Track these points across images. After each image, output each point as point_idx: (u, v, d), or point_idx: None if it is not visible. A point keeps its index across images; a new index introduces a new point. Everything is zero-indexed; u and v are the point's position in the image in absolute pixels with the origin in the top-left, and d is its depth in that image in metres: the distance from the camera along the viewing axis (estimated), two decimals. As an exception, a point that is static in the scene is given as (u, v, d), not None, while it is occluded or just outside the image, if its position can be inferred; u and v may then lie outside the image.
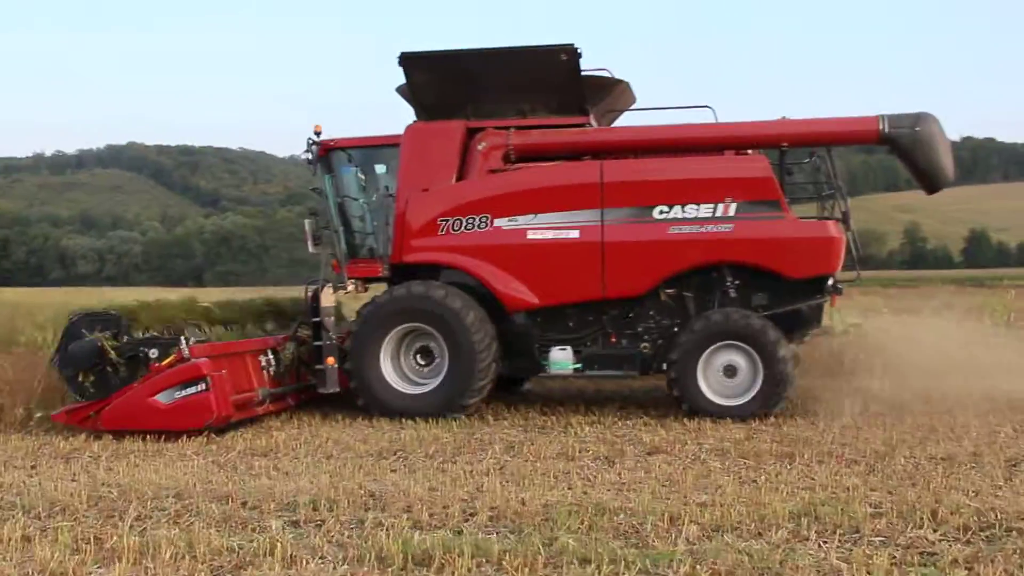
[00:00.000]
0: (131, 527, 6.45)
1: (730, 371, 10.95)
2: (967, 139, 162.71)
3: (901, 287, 39.92)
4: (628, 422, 10.76)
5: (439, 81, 11.72)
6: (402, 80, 11.79)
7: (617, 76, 11.89)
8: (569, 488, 7.48)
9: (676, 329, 11.24)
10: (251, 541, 6.06)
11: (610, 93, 12.09)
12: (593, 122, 11.88)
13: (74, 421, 10.27)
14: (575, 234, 11.17)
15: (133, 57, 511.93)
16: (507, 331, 11.49)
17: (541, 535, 6.07)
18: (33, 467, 8.80)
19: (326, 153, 11.99)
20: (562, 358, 11.41)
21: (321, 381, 11.45)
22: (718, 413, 10.75)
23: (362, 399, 11.34)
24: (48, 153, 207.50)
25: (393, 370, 11.41)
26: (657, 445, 9.30)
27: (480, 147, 11.51)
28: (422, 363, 11.48)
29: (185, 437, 9.92)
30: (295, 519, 6.65)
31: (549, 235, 11.23)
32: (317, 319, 11.48)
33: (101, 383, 10.26)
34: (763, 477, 7.80)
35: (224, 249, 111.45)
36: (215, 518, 6.70)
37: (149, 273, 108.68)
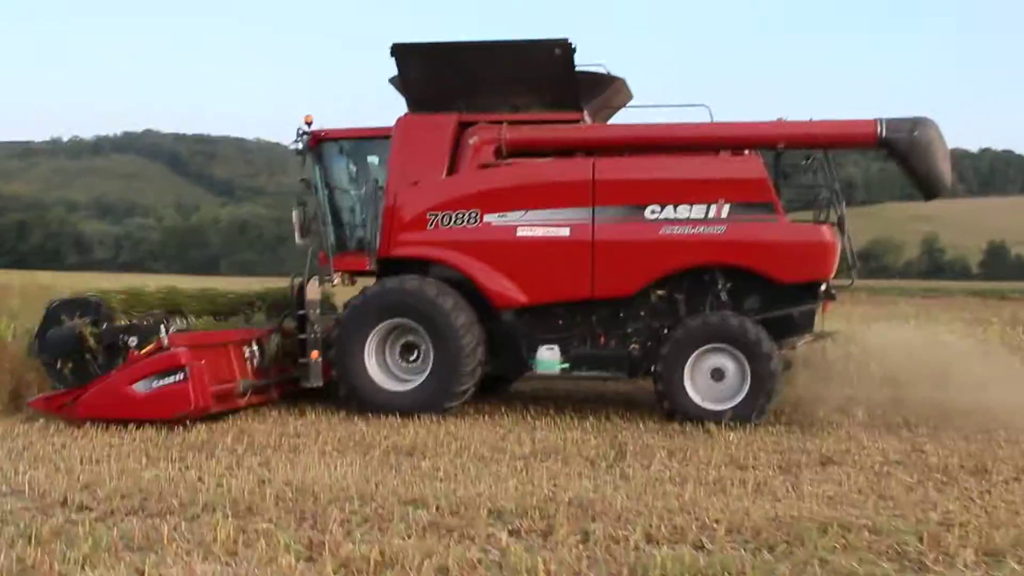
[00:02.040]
0: (349, 534, 6.09)
1: (718, 374, 10.78)
2: (985, 151, 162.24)
3: (924, 297, 39.68)
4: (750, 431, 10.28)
5: (431, 73, 11.57)
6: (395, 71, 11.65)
7: (613, 73, 11.72)
8: (778, 500, 7.14)
9: (666, 331, 11.07)
10: (486, 553, 5.74)
11: (605, 90, 11.91)
12: (587, 118, 11.73)
13: (51, 408, 10.16)
14: (565, 232, 11.01)
15: (152, 44, 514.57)
16: (494, 329, 11.34)
17: (803, 553, 5.75)
18: (181, 459, 8.43)
19: (317, 144, 11.86)
20: (549, 358, 11.25)
21: (305, 375, 11.34)
22: (703, 416, 10.57)
23: (344, 390, 11.21)
24: (65, 138, 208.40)
25: (377, 364, 11.28)
26: (827, 455, 8.92)
27: (471, 141, 11.37)
28: (408, 359, 11.34)
29: (315, 433, 9.68)
30: (511, 529, 6.25)
31: (539, 232, 11.07)
32: (302, 312, 11.35)
33: (80, 371, 10.16)
34: (993, 494, 7.45)
35: (241, 238, 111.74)
36: (423, 525, 6.31)
37: (165, 260, 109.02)
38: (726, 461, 8.63)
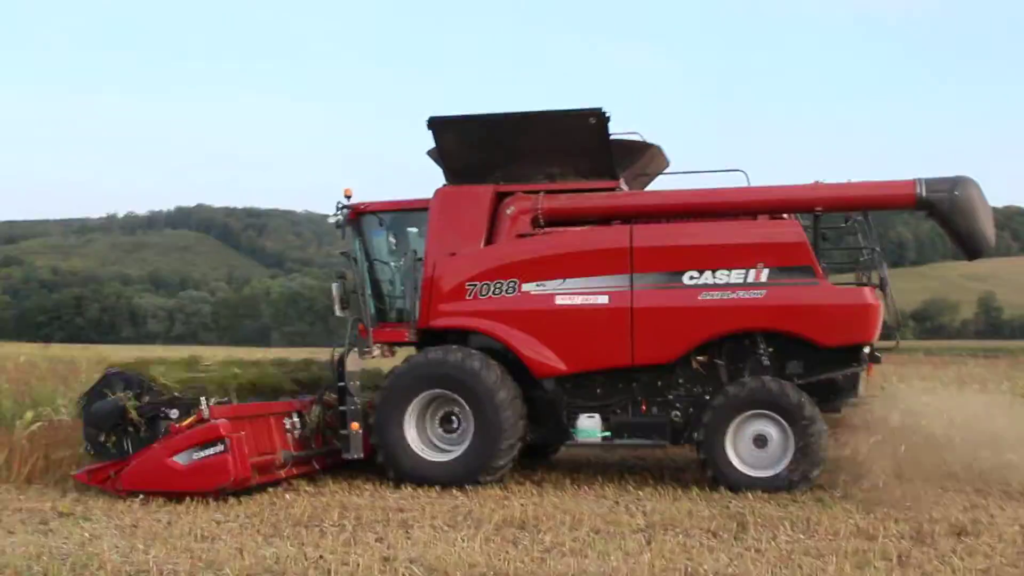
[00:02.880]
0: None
1: (760, 441, 10.62)
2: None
3: (985, 356, 38.79)
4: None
5: (468, 145, 11.72)
6: (432, 144, 11.82)
7: (648, 140, 11.79)
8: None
9: (707, 397, 10.95)
10: None
11: (641, 157, 11.98)
12: (623, 186, 11.77)
13: (95, 482, 10.27)
14: (604, 299, 10.99)
15: (202, 120, 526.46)
16: (534, 397, 11.29)
17: None
18: (294, 536, 8.33)
19: (356, 217, 12.01)
20: (590, 426, 11.18)
21: (345, 446, 11.34)
22: (747, 484, 10.39)
23: (387, 465, 11.20)
24: (120, 214, 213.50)
25: (417, 434, 11.26)
26: (957, 524, 8.59)
27: (509, 211, 11.45)
28: (448, 430, 11.31)
29: (420, 507, 9.56)
30: None
31: (578, 300, 11.06)
32: (342, 383, 11.40)
33: (122, 444, 10.27)
34: None
35: (291, 310, 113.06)
36: None
37: (218, 332, 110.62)
38: (853, 531, 8.38)
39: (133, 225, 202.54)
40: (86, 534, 8.47)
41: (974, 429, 11.37)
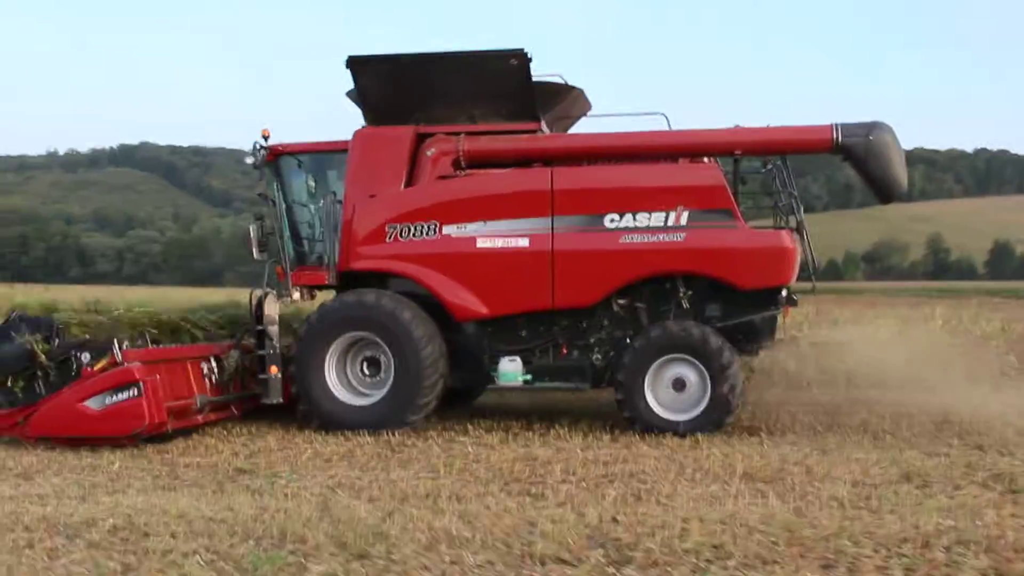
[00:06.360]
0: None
1: (679, 385, 10.71)
2: (981, 151, 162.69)
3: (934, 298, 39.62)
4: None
5: (388, 85, 11.51)
6: (351, 84, 11.60)
7: (570, 83, 11.66)
8: None
9: (628, 340, 11.00)
10: None
11: (563, 100, 11.85)
12: (545, 129, 11.66)
13: (2, 429, 10.10)
14: (525, 242, 10.94)
15: (144, 55, 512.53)
16: (456, 341, 11.28)
17: None
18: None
19: (274, 158, 11.80)
20: (511, 369, 11.18)
21: (264, 391, 11.26)
22: (666, 427, 10.50)
23: (303, 407, 11.15)
24: (61, 151, 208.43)
25: (338, 379, 11.21)
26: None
27: (429, 153, 11.31)
28: (368, 373, 11.27)
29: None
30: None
31: (498, 243, 11.00)
32: (261, 327, 11.29)
33: (31, 389, 10.10)
34: None
35: (243, 250, 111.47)
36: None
37: (168, 272, 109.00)
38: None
39: (75, 163, 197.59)
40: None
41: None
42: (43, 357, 10.07)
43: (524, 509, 7.18)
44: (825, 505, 7.19)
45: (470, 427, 11.03)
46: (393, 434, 10.56)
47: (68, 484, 8.30)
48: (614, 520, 6.73)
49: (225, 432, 10.84)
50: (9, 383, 10.14)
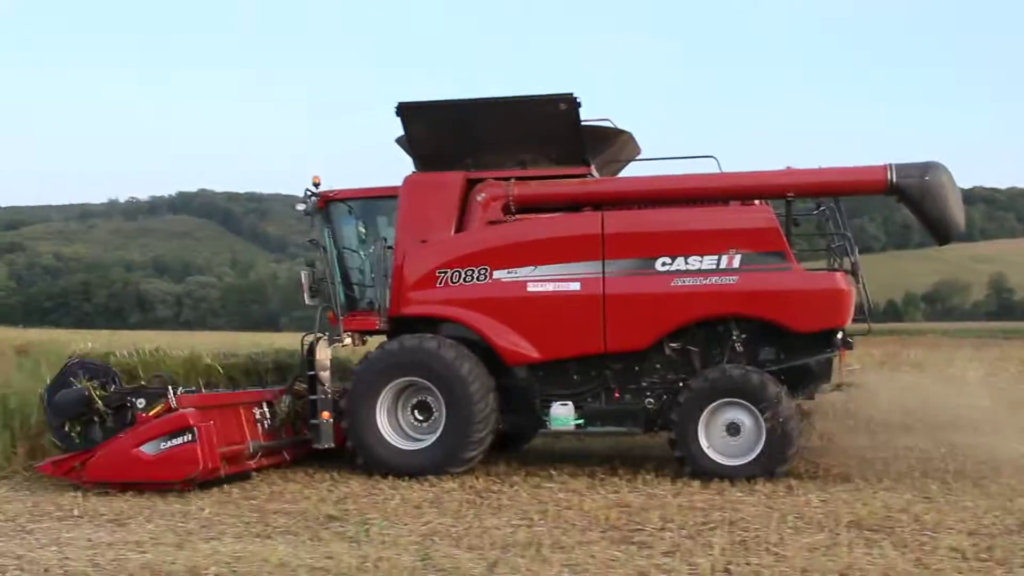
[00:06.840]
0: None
1: (733, 429, 10.55)
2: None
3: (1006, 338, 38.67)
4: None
5: (437, 132, 11.63)
6: (400, 131, 11.72)
7: (619, 127, 11.68)
8: None
9: (681, 384, 10.87)
10: None
11: (612, 144, 11.88)
12: (594, 173, 11.67)
13: (59, 473, 10.23)
14: (576, 286, 10.90)
15: (202, 104, 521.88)
16: (507, 386, 11.23)
17: None
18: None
19: (325, 205, 11.93)
20: (563, 414, 11.10)
21: (316, 436, 11.29)
22: (721, 474, 10.33)
23: (360, 456, 11.15)
24: (122, 199, 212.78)
25: (390, 425, 11.20)
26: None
27: (479, 198, 11.35)
28: (420, 418, 11.25)
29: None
30: None
31: (549, 287, 10.97)
32: (312, 372, 11.34)
33: (88, 434, 10.23)
34: None
35: (298, 295, 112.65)
36: None
37: (226, 317, 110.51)
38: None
39: (135, 211, 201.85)
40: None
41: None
42: (100, 403, 10.20)
43: (632, 559, 7.10)
44: (947, 557, 6.96)
45: (553, 472, 10.96)
46: (478, 479, 10.56)
47: (162, 530, 8.37)
48: (726, 571, 6.61)
49: (308, 477, 10.91)
50: (67, 428, 10.27)
